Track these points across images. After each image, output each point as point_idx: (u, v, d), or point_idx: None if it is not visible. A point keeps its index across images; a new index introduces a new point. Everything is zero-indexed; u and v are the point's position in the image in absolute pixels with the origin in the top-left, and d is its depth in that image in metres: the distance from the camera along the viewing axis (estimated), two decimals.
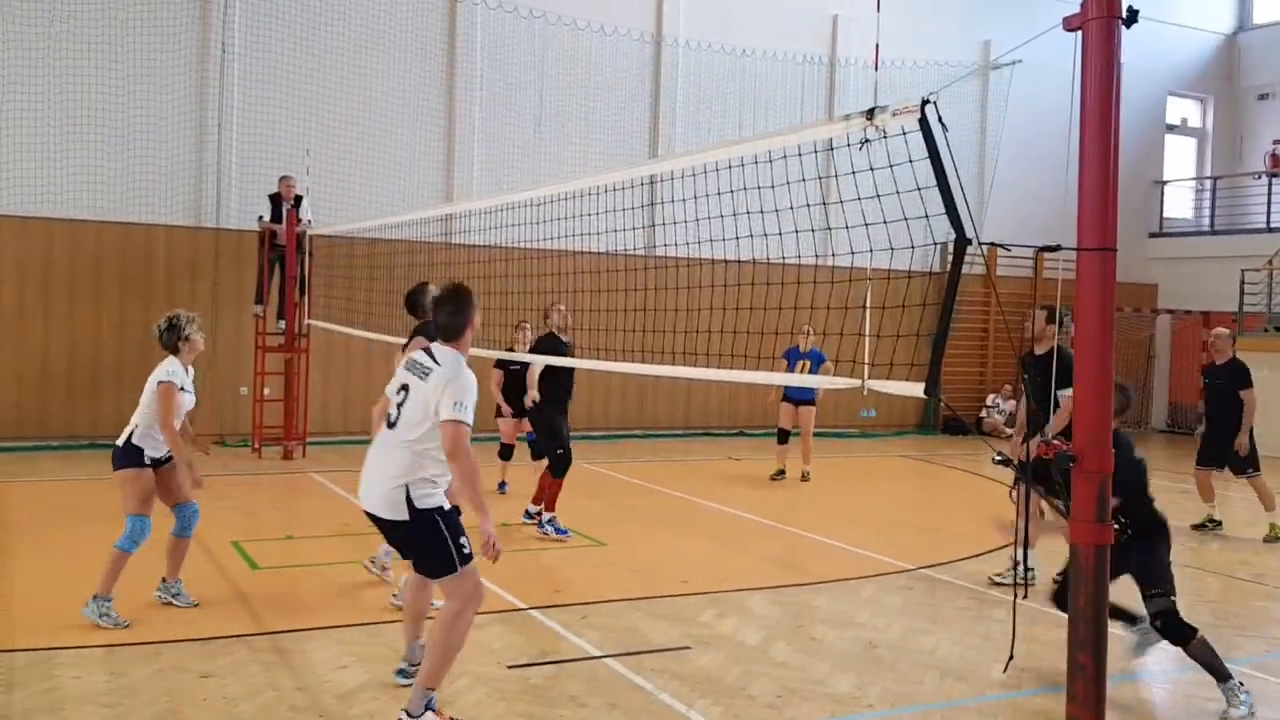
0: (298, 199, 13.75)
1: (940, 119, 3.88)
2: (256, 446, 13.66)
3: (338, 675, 5.73)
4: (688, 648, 6.47)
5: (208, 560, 8.14)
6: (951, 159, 3.82)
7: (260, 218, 13.84)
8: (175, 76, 14.45)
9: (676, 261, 8.39)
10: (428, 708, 4.99)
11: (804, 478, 13.04)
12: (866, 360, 4.43)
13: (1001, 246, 3.60)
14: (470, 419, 4.95)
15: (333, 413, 15.28)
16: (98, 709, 5.11)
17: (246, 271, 14.36)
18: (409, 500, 4.98)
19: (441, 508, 5.09)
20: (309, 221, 13.84)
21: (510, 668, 5.97)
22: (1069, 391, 5.43)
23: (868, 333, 4.62)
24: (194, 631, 6.35)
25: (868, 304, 4.80)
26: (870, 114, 4.22)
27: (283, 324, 13.68)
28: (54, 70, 13.77)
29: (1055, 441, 3.47)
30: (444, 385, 4.96)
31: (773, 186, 5.62)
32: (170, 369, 6.80)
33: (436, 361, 5.12)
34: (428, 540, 5.03)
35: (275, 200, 13.78)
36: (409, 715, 4.96)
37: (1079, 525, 3.47)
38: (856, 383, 4.34)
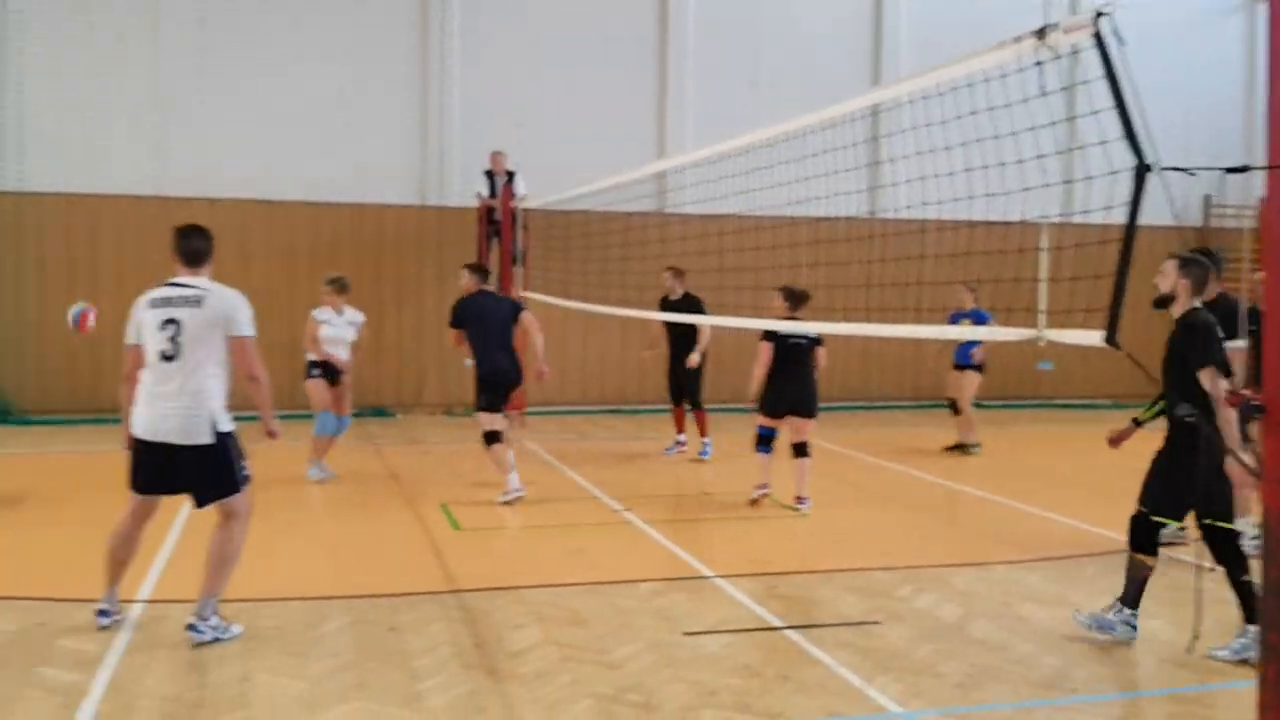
0: (510, 174, 14.11)
1: (1116, 33, 3.40)
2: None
3: (514, 634, 5.79)
4: (877, 622, 6.14)
5: (415, 521, 8.49)
6: (1130, 81, 3.33)
7: (478, 194, 14.30)
8: (398, 59, 15.12)
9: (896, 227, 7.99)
10: (215, 611, 5.56)
11: (961, 449, 12.31)
12: (1042, 308, 3.99)
13: (1184, 170, 3.10)
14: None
15: (550, 382, 15.56)
16: (289, 658, 5.37)
17: (469, 247, 14.89)
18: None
19: (231, 432, 5.54)
20: (524, 195, 14.16)
21: (686, 634, 5.85)
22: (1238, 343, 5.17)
23: (1044, 277, 4.16)
24: (390, 588, 6.60)
25: (1043, 246, 4.33)
26: (1041, 34, 3.76)
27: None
28: (277, 57, 14.68)
29: (1244, 391, 2.97)
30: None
31: (942, 122, 5.17)
32: None
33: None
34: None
35: (491, 176, 14.19)
36: (200, 619, 5.49)
37: (1270, 485, 2.96)
38: (1032, 332, 3.91)
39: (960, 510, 9.49)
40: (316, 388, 10.00)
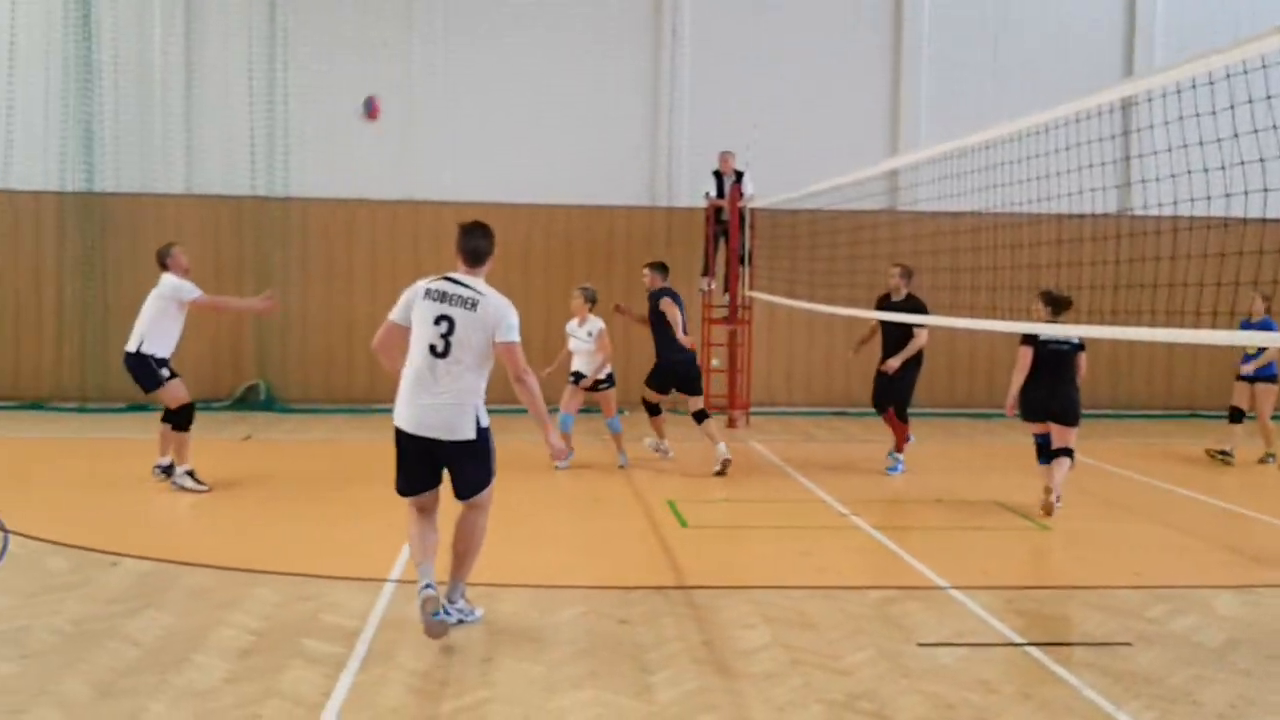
0: (738, 174, 14.13)
1: None
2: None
3: (743, 633, 5.79)
4: (1128, 644, 5.77)
5: (644, 516, 8.64)
6: None
7: (706, 194, 14.40)
8: (629, 63, 15.41)
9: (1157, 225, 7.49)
10: (461, 595, 5.81)
11: (1262, 460, 11.72)
12: None
13: None
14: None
15: (776, 382, 15.58)
16: (527, 643, 5.58)
17: (696, 247, 15.02)
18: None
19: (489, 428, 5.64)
20: (751, 195, 14.15)
21: (920, 645, 5.68)
22: None
23: None
24: (620, 580, 6.74)
25: None
26: None
27: (728, 297, 14.15)
28: (515, 66, 15.25)
29: None
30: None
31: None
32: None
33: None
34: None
35: (719, 176, 14.27)
36: (449, 603, 5.70)
37: None
38: None
39: (1220, 528, 8.77)
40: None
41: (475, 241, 5.72)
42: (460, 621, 5.75)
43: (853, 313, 11.08)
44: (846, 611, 6.22)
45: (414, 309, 5.62)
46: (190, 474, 9.18)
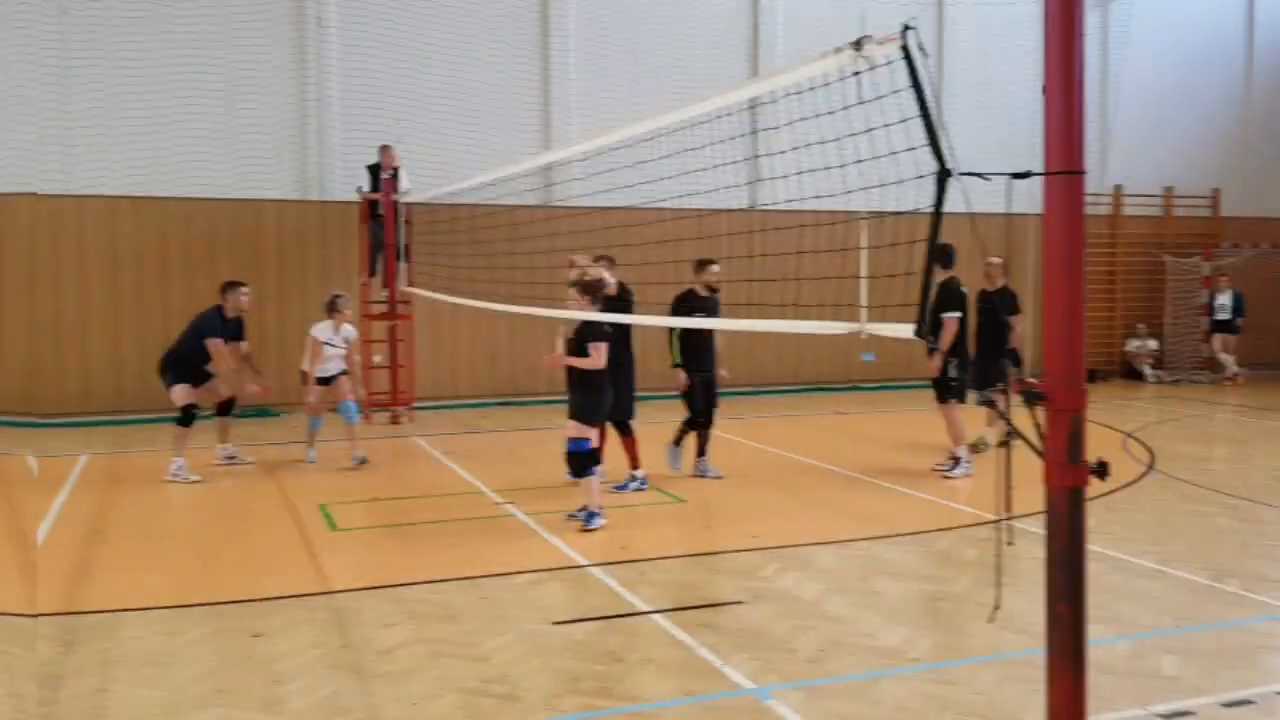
0: (394, 169, 14.02)
1: (921, 46, 3.62)
2: (366, 412, 14.05)
3: (383, 632, 5.84)
4: (740, 603, 6.35)
5: (292, 522, 8.44)
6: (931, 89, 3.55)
7: (359, 188, 14.17)
8: (272, 52, 14.85)
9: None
10: None
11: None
12: (864, 303, 4.21)
13: (978, 175, 3.32)
14: None
15: (442, 377, 15.62)
16: (148, 668, 5.34)
17: (352, 242, 14.75)
18: None
19: None
20: (406, 189, 14.08)
21: (555, 623, 5.98)
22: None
23: (864, 274, 4.38)
24: (258, 592, 6.57)
25: (863, 245, 4.55)
26: (858, 45, 3.97)
27: (386, 292, 14.03)
28: (161, 53, 14.33)
29: (1029, 380, 3.20)
30: None
31: (776, 128, 5.38)
32: None
33: None
34: None
35: (374, 171, 14.09)
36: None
37: (1052, 468, 3.20)
38: (856, 327, 4.12)
39: (832, 491, 9.76)
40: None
41: None
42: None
43: (510, 309, 11.29)
44: (491, 599, 6.42)
45: None
46: None
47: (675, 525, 8.62)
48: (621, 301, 9.08)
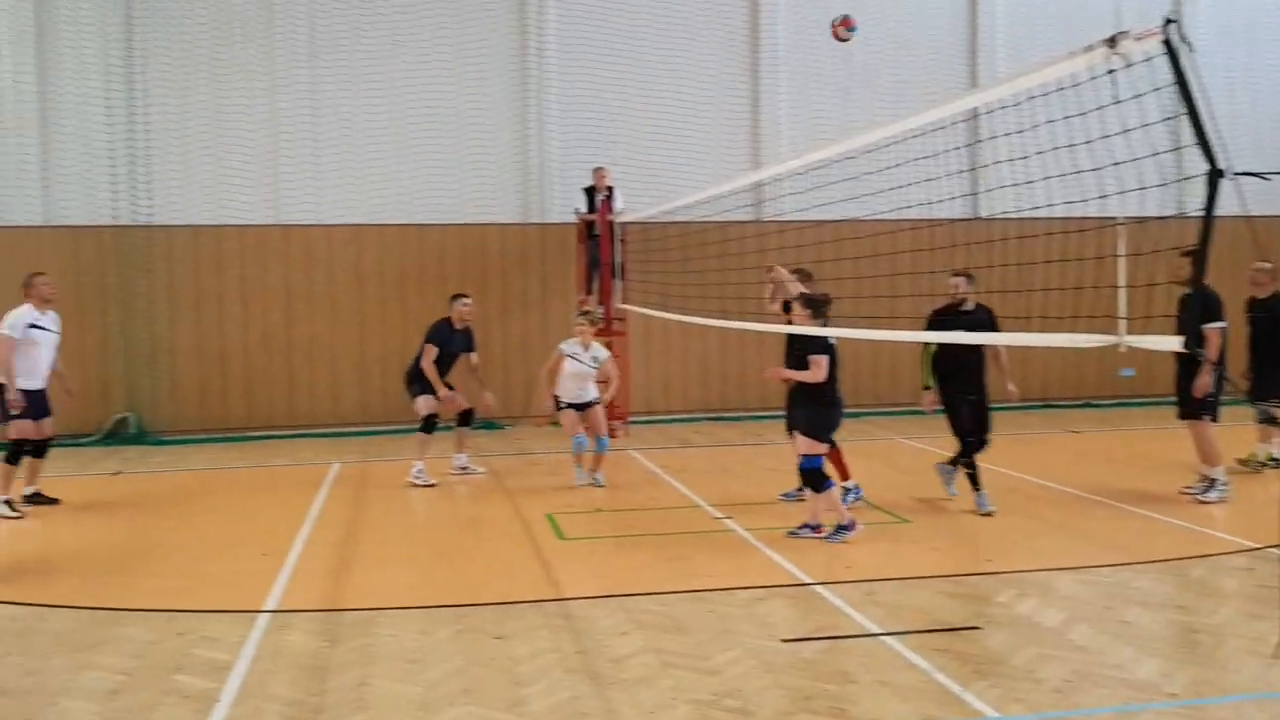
0: (609, 189, 14.40)
1: (1185, 39, 3.43)
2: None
3: (616, 641, 5.98)
4: (977, 628, 6.15)
5: (522, 530, 8.77)
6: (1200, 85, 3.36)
7: (576, 210, 14.62)
8: (496, 81, 15.55)
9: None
10: None
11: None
12: (1122, 314, 3.98)
13: (1258, 175, 3.12)
14: None
15: (654, 393, 15.88)
16: (404, 665, 5.67)
17: (570, 262, 15.22)
18: None
19: None
20: (621, 209, 14.43)
21: (784, 641, 5.96)
22: None
23: (1122, 283, 4.15)
24: (498, 596, 6.86)
25: (1121, 252, 4.31)
26: (1112, 42, 3.79)
27: (602, 309, 14.38)
28: (398, 92, 15.27)
29: None
30: None
31: (1020, 131, 5.19)
32: None
33: None
34: None
35: (590, 192, 14.51)
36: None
37: None
38: (1114, 339, 3.93)
39: (1072, 515, 9.31)
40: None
41: None
42: None
43: (724, 324, 11.38)
44: (716, 613, 6.47)
45: None
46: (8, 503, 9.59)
47: (901, 545, 8.41)
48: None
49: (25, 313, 9.70)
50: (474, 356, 11.36)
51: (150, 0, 14.67)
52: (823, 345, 8.13)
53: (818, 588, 6.98)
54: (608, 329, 14.42)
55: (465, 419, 11.40)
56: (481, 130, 15.52)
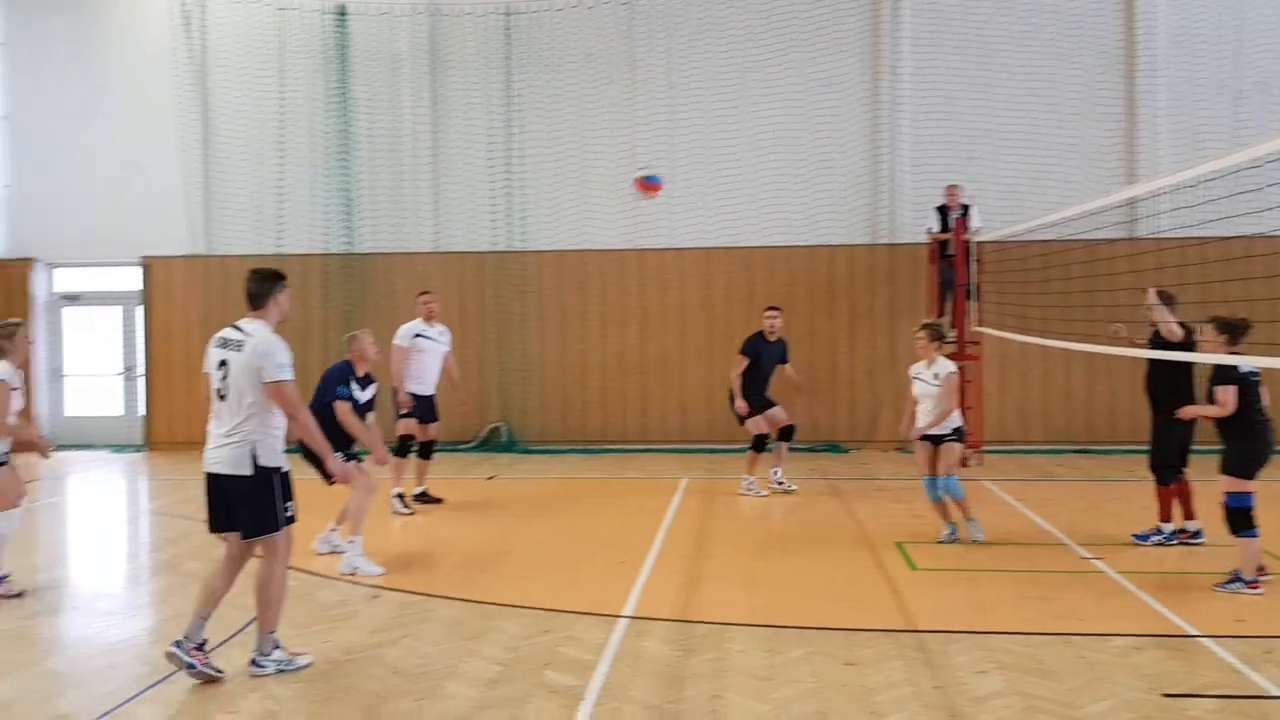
0: (965, 207, 13.90)
1: None
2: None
3: (976, 679, 5.71)
4: None
5: (870, 557, 8.61)
6: None
7: (928, 229, 14.22)
8: (848, 104, 15.50)
9: None
10: (275, 646, 5.86)
11: None
12: None
13: None
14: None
15: (1010, 420, 15.09)
16: (755, 682, 5.72)
17: (920, 283, 14.82)
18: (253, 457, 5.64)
19: (279, 468, 5.73)
20: (977, 228, 13.88)
21: (1166, 696, 5.43)
22: None
23: None
24: (847, 622, 6.77)
25: None
26: None
27: (954, 333, 13.87)
28: (749, 117, 15.61)
29: None
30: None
31: None
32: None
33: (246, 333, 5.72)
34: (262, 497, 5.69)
35: (942, 211, 14.07)
36: (262, 655, 5.83)
37: None
38: None
39: None
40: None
41: (250, 286, 5.87)
42: (281, 671, 5.84)
43: (1089, 348, 10.64)
44: (1087, 659, 6.02)
45: (207, 357, 5.89)
46: (400, 497, 10.67)
47: None
48: (1183, 345, 8.50)
49: (414, 325, 10.87)
50: (788, 368, 11.73)
51: (527, 48, 15.94)
52: (1233, 375, 7.47)
53: (1204, 640, 6.31)
54: (961, 353, 13.88)
55: (786, 434, 11.61)
56: (831, 151, 15.52)
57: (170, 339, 16.23)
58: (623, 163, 15.78)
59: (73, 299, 17.08)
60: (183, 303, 16.03)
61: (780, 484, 11.63)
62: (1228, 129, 14.49)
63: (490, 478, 13.23)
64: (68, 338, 17.09)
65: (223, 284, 16.24)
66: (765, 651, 6.20)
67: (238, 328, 5.79)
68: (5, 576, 7.71)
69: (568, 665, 5.98)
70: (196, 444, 6.40)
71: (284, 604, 5.93)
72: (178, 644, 5.74)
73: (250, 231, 16.21)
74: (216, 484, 5.76)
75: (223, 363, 5.72)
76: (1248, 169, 7.25)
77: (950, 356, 13.92)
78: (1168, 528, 8.90)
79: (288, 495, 5.80)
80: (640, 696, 5.49)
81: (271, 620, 5.84)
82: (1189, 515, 8.85)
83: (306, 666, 5.91)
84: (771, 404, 11.53)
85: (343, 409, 8.42)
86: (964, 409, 13.69)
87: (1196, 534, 8.87)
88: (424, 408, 10.86)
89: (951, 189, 14.06)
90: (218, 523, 5.85)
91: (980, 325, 13.76)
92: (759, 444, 11.35)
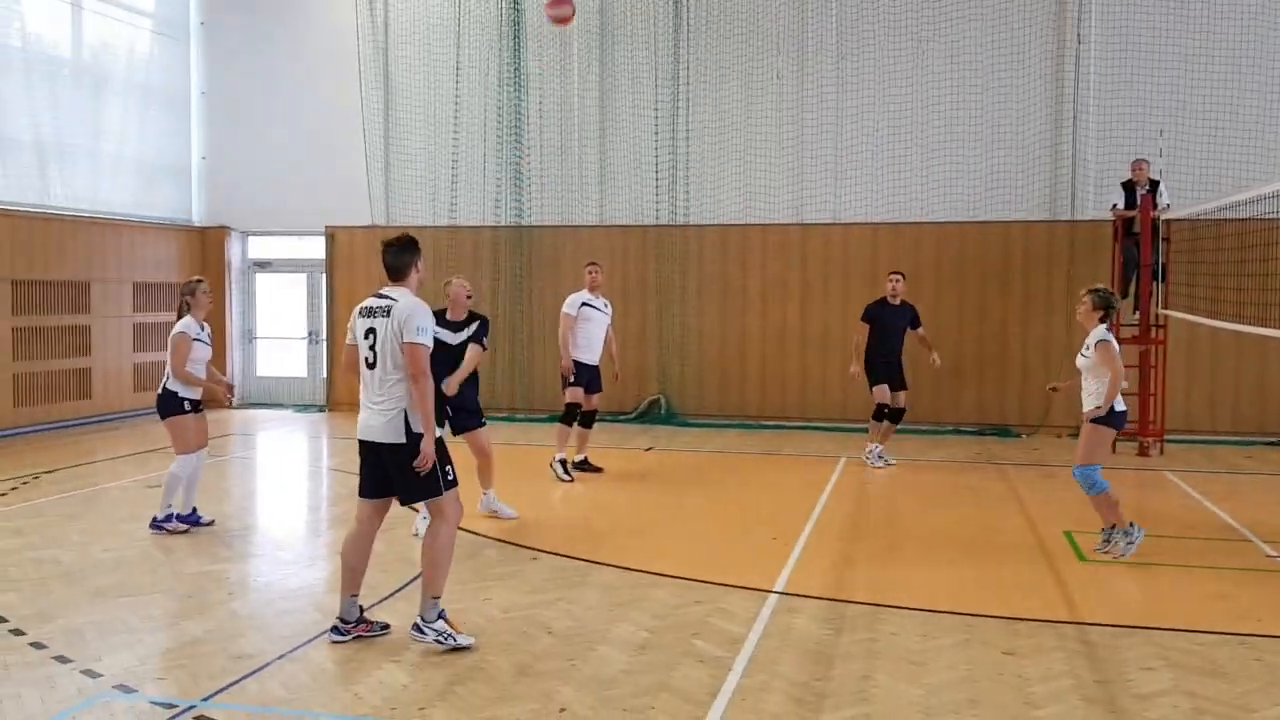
0: (1153, 183, 13.14)
1: None
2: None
3: (1141, 676, 5.45)
4: None
5: (1037, 546, 8.31)
6: None
7: (1113, 206, 13.51)
8: (1030, 74, 14.84)
9: None
10: (440, 616, 5.78)
11: None
12: None
13: None
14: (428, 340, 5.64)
15: (1196, 409, 14.25)
16: (907, 665, 5.62)
17: (1102, 262, 14.11)
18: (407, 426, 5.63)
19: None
20: (1166, 205, 13.10)
21: None
22: None
23: None
24: (1007, 610, 6.56)
25: None
26: None
27: (1138, 315, 13.17)
28: (924, 90, 15.15)
29: None
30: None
31: None
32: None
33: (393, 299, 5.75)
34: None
35: (1128, 187, 13.34)
36: (425, 621, 5.76)
37: None
38: None
39: None
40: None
41: (388, 258, 5.91)
42: (439, 643, 5.74)
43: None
44: (1265, 662, 5.67)
45: (353, 327, 5.91)
46: (562, 462, 10.98)
47: None
48: None
49: (580, 295, 11.05)
50: (921, 331, 12.18)
51: (697, 19, 15.90)
52: None
53: None
54: (1144, 336, 13.19)
55: (894, 417, 11.99)
56: (1010, 122, 14.92)
57: (352, 305, 16.88)
58: (789, 136, 15.60)
59: (264, 266, 18.13)
60: (365, 271, 16.77)
61: (881, 457, 11.93)
62: None
63: (648, 449, 13.37)
64: (260, 302, 18.17)
65: None
66: (919, 635, 6.08)
67: (382, 295, 5.84)
68: (177, 515, 8.60)
69: (717, 636, 6.02)
70: None
71: (449, 568, 5.91)
72: (334, 629, 5.93)
73: (426, 204, 16.81)
74: (372, 451, 5.79)
75: (370, 331, 5.76)
76: None
77: (1133, 340, 13.31)
78: None
79: (446, 459, 5.81)
80: (788, 672, 5.48)
81: (437, 584, 5.80)
82: None
83: (465, 648, 5.75)
84: (898, 381, 11.94)
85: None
86: (1147, 395, 13.07)
87: None
88: (589, 376, 11.05)
89: (1138, 164, 13.31)
90: (371, 488, 5.90)
91: (1166, 308, 13.01)
92: (879, 413, 11.87)
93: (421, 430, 5.65)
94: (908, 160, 15.22)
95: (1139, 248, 13.07)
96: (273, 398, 17.83)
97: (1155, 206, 12.98)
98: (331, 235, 17.18)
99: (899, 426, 12.30)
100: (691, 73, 15.93)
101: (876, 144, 15.34)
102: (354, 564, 5.95)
